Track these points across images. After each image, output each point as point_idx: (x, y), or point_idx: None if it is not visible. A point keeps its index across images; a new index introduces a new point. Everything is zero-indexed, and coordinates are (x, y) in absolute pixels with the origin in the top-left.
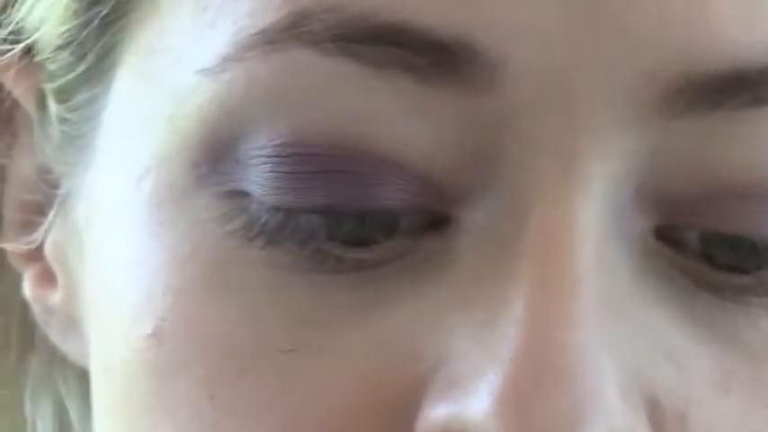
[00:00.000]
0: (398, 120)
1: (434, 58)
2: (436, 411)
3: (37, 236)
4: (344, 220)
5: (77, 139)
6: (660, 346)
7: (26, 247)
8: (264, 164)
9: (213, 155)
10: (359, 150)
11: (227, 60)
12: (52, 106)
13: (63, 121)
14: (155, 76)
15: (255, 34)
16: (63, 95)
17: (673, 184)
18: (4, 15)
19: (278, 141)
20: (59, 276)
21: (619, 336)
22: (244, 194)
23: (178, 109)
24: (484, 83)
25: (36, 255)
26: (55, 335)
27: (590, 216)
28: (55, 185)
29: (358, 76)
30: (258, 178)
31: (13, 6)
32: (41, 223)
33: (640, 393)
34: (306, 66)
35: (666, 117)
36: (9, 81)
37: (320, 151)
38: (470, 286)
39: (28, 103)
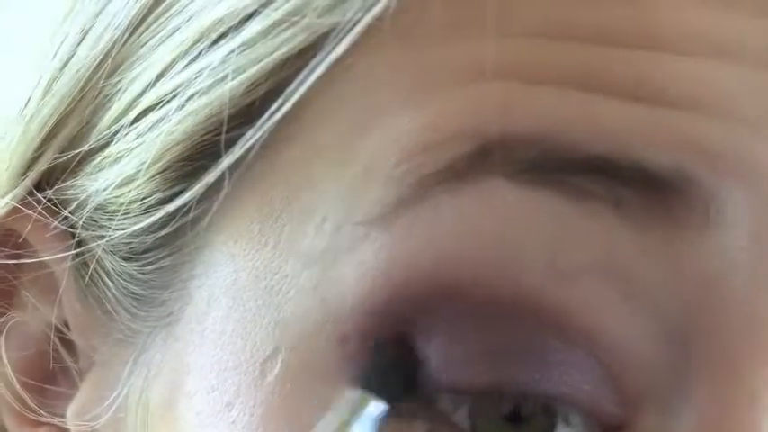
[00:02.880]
0: (595, 277)
1: (646, 191)
2: None
3: (56, 406)
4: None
5: (150, 305)
6: None
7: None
8: (434, 338)
9: (368, 326)
10: (547, 323)
11: (402, 202)
12: (112, 261)
13: (129, 278)
14: (284, 242)
15: (441, 170)
16: (128, 254)
17: None
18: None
19: (457, 308)
20: None
21: None
22: None
23: (326, 273)
24: (697, 222)
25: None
26: None
27: None
28: (78, 354)
29: (558, 210)
30: (431, 352)
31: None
32: (57, 392)
33: None
34: (500, 198)
35: None
36: (32, 235)
37: (502, 321)
38: None
39: (56, 261)
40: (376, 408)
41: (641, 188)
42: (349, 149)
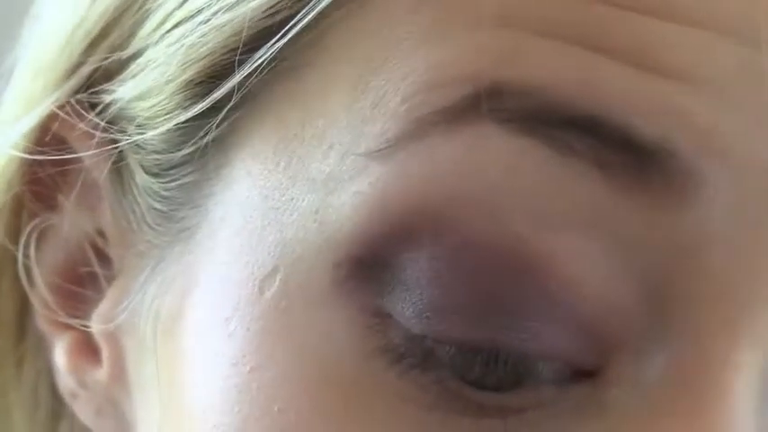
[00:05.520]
0: (579, 230)
1: (629, 156)
2: None
3: (82, 310)
4: (490, 356)
5: (169, 221)
6: None
7: (73, 321)
8: (420, 274)
9: (359, 255)
10: (529, 270)
11: (401, 138)
12: (141, 177)
13: (154, 194)
14: (294, 165)
15: (439, 110)
16: (156, 170)
17: None
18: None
19: (444, 244)
20: (106, 354)
21: None
22: (386, 313)
23: (327, 199)
24: (676, 194)
25: (72, 324)
26: (84, 410)
27: (751, 400)
28: (108, 262)
29: (543, 161)
30: (407, 292)
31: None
32: (85, 297)
33: None
34: (490, 144)
35: None
36: (75, 140)
37: (486, 263)
38: None
39: (95, 166)
40: None
41: (625, 154)
42: (362, 81)
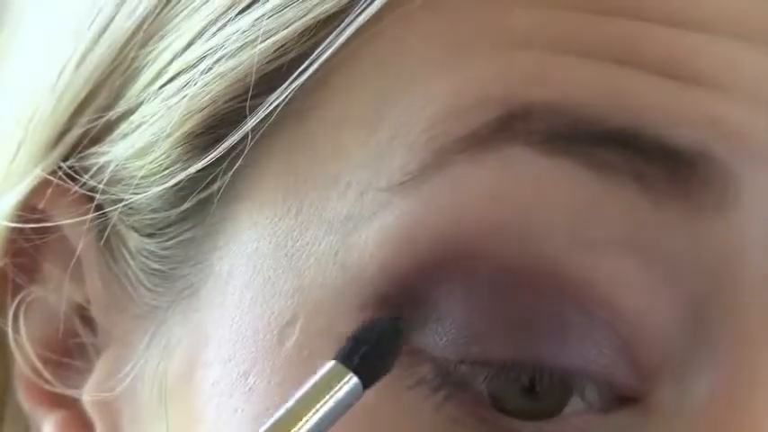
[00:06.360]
0: (617, 246)
1: (667, 166)
2: None
3: (71, 382)
4: (527, 381)
5: (169, 280)
6: None
7: (66, 392)
8: (455, 304)
9: (386, 294)
10: (567, 291)
11: (425, 169)
12: (134, 239)
13: (150, 255)
14: (306, 209)
15: (464, 137)
16: (151, 230)
17: None
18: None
19: (480, 271)
20: (100, 426)
21: None
22: (415, 349)
23: (347, 239)
24: (716, 199)
25: (61, 401)
26: None
27: None
28: (96, 331)
29: (578, 178)
30: (439, 323)
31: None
32: (75, 367)
33: None
34: (521, 166)
35: None
36: (57, 211)
37: (523, 286)
38: None
39: (74, 232)
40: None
41: (662, 164)
42: (377, 116)
